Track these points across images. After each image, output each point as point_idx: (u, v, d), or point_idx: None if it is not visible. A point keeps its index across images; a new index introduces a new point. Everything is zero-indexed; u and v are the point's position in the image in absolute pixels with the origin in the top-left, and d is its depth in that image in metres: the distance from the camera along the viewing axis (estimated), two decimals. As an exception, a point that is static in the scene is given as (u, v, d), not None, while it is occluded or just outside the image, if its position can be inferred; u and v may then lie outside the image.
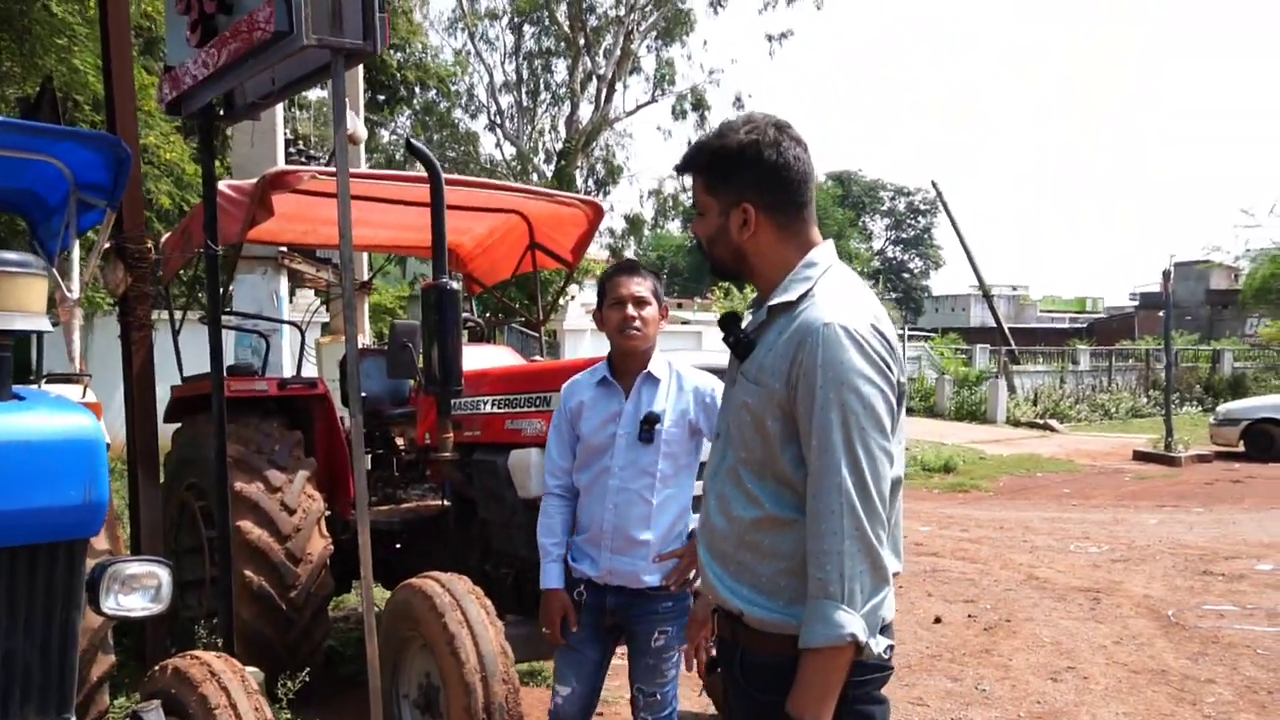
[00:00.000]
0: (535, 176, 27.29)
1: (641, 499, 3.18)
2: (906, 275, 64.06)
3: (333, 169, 7.06)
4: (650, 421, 3.16)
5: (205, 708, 2.71)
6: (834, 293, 1.94)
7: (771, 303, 1.98)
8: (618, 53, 26.62)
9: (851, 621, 1.77)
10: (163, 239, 6.25)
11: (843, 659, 1.80)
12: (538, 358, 7.43)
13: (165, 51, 4.24)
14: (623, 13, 26.32)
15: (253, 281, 8.73)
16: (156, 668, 3.04)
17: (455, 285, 4.46)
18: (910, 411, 24.22)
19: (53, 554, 2.25)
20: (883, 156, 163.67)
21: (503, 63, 29.54)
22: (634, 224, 30.32)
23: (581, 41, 26.53)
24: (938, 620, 6.98)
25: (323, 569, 5.05)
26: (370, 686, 3.52)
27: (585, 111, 27.71)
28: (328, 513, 5.28)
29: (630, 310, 3.20)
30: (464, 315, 6.31)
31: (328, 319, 12.71)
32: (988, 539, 10.20)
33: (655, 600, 3.21)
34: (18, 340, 2.57)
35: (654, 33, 27.39)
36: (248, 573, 4.81)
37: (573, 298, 21.24)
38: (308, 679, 4.64)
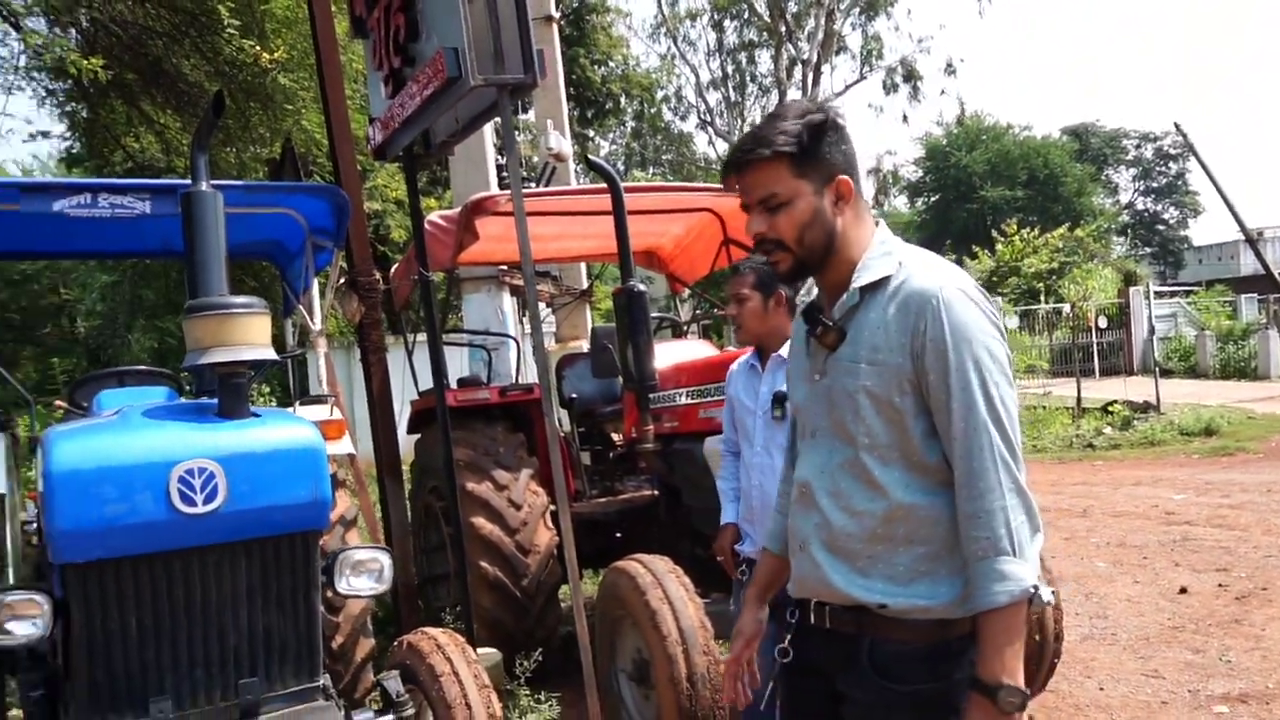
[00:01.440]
0: (749, 170, 27.42)
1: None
2: (1161, 227, 59.19)
3: (535, 191, 7.58)
4: (780, 400, 3.34)
5: (432, 675, 3.11)
6: (926, 261, 1.95)
7: (861, 283, 1.93)
8: (821, 35, 26.36)
9: (1029, 572, 1.78)
10: (392, 269, 6.94)
11: (1024, 611, 1.79)
12: (730, 348, 7.64)
13: (369, 104, 4.78)
14: (822, -6, 26.06)
15: (479, 300, 9.43)
16: (395, 643, 3.50)
17: (642, 288, 4.76)
18: (1168, 374, 22.48)
19: (292, 544, 2.71)
20: (1122, 103, 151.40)
21: (706, 61, 29.95)
22: (854, 205, 29.87)
23: (783, 29, 26.45)
24: (1183, 590, 6.60)
25: (550, 559, 5.48)
26: (583, 661, 3.88)
27: (793, 98, 27.63)
28: (552, 507, 5.72)
29: (731, 308, 3.56)
30: (660, 314, 6.62)
31: (554, 328, 13.42)
32: (1251, 504, 9.44)
33: None
34: (275, 368, 3.08)
35: (856, 9, 26.89)
36: (483, 564, 5.30)
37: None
38: (541, 659, 5.07)
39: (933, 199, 48.29)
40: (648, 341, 4.71)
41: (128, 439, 2.55)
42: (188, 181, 4.36)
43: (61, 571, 2.51)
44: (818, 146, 1.93)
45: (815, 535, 1.99)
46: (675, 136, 30.78)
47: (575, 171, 12.19)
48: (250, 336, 2.60)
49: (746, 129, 24.14)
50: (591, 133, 24.01)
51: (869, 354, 1.90)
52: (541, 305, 13.01)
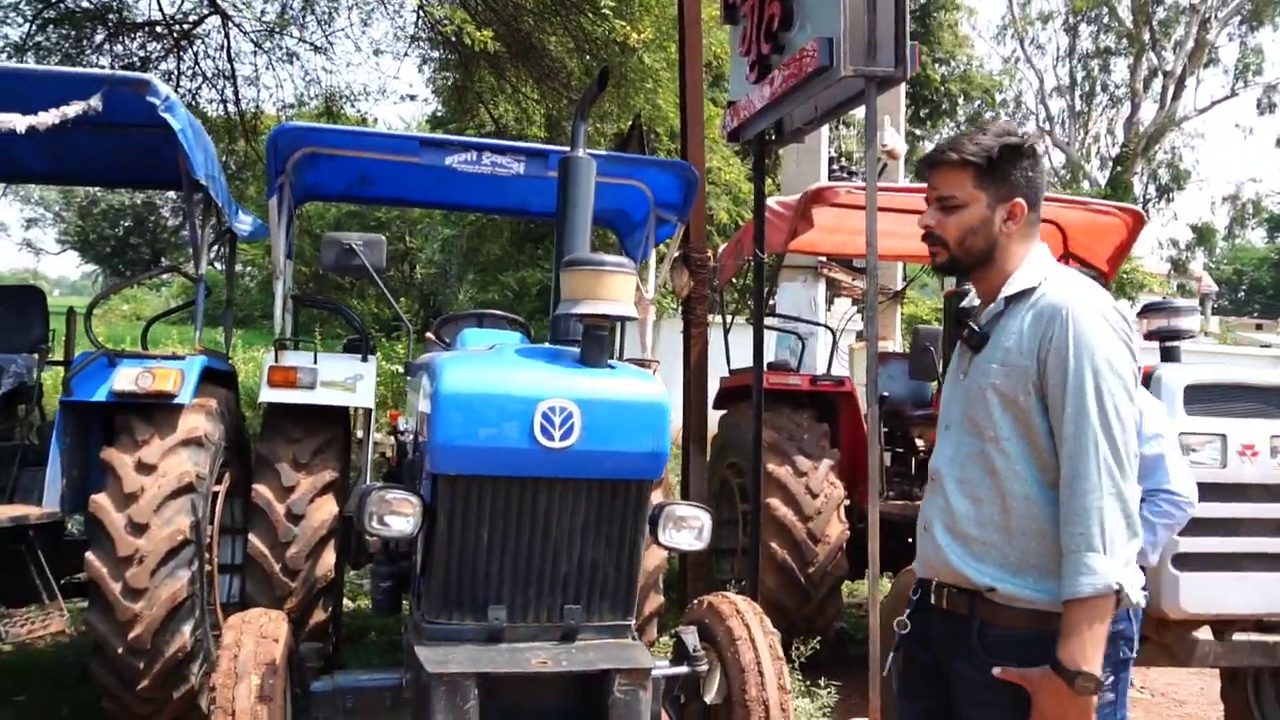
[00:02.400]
0: (1086, 184, 25.69)
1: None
2: None
3: (882, 186, 7.54)
4: None
5: (730, 637, 3.25)
6: (1070, 278, 2.11)
7: (1008, 293, 2.12)
8: (1190, 44, 24.09)
9: (1116, 570, 1.90)
10: (720, 249, 7.16)
11: (1107, 607, 1.92)
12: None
13: (729, 88, 4.97)
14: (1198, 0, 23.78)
15: (794, 288, 9.55)
16: (695, 601, 3.67)
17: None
18: None
19: (629, 489, 2.91)
20: None
21: (1054, 66, 28.26)
22: (1203, 234, 27.21)
23: (1146, 36, 24.42)
24: None
25: (839, 551, 5.51)
26: (870, 654, 3.89)
27: (1147, 112, 25.49)
28: (846, 501, 5.73)
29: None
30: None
31: (861, 326, 13.30)
32: None
33: None
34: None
35: (1237, 18, 24.35)
36: (773, 545, 5.41)
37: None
38: (818, 646, 5.12)
39: (1298, 236, 43.03)
40: (974, 349, 4.61)
41: (505, 373, 2.84)
42: (559, 148, 4.76)
43: (434, 480, 2.85)
44: (1004, 166, 2.13)
45: (938, 518, 2.18)
46: (1008, 143, 29.27)
47: (902, 170, 11.97)
48: (618, 294, 2.81)
49: (1089, 141, 22.53)
50: (919, 131, 23.40)
51: (1002, 355, 2.09)
52: (849, 301, 12.95)
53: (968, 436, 2.14)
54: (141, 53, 11.21)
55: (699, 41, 5.86)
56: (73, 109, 3.89)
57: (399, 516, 2.85)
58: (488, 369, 2.87)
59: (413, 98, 43.66)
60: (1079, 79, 27.42)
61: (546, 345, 3.18)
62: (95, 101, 3.92)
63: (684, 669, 3.29)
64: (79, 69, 6.39)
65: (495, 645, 2.86)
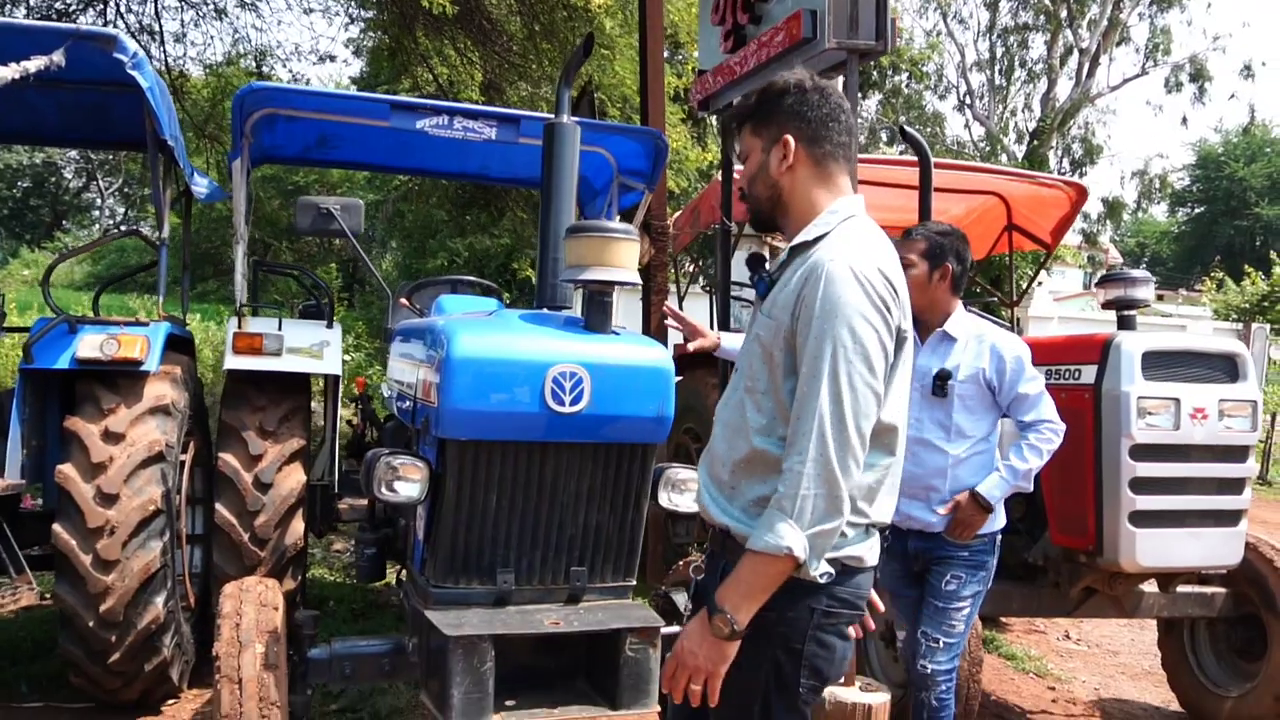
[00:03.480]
0: (1004, 157, 26.33)
1: (939, 450, 3.42)
2: None
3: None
4: (943, 378, 3.41)
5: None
6: (847, 237, 2.03)
7: (793, 243, 2.09)
8: (1104, 23, 24.79)
9: (793, 537, 1.86)
10: (673, 217, 7.20)
11: (776, 568, 1.90)
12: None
13: (697, 57, 5.00)
14: (1113, -21, 24.45)
15: (741, 256, 9.63)
16: (680, 563, 3.75)
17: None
18: None
19: (634, 453, 2.96)
20: None
21: (975, 41, 28.79)
22: (1113, 208, 28.12)
23: (1064, 14, 25.05)
24: None
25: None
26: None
27: (1063, 88, 26.18)
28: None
29: None
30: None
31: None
32: None
33: (953, 545, 3.41)
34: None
35: (1149, -1, 25.13)
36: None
37: (1040, 284, 20.33)
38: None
39: (1196, 210, 44.84)
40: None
41: (515, 339, 2.85)
42: (531, 114, 4.73)
43: (442, 445, 2.85)
44: (768, 107, 2.09)
45: (704, 460, 2.21)
46: (929, 115, 29.83)
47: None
48: (623, 260, 2.84)
49: (1007, 115, 22.97)
50: (845, 103, 23.63)
51: (770, 307, 2.06)
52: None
53: (739, 381, 2.13)
54: (61, 4, 10.72)
55: (660, 6, 5.86)
56: (34, 64, 3.74)
57: (406, 482, 2.86)
58: (498, 335, 2.88)
59: (332, 58, 42.55)
60: (998, 54, 28.01)
61: (548, 311, 3.19)
62: (58, 57, 3.78)
63: (675, 628, 3.36)
64: (43, 23, 6.08)
65: (504, 608, 2.90)
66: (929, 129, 28.14)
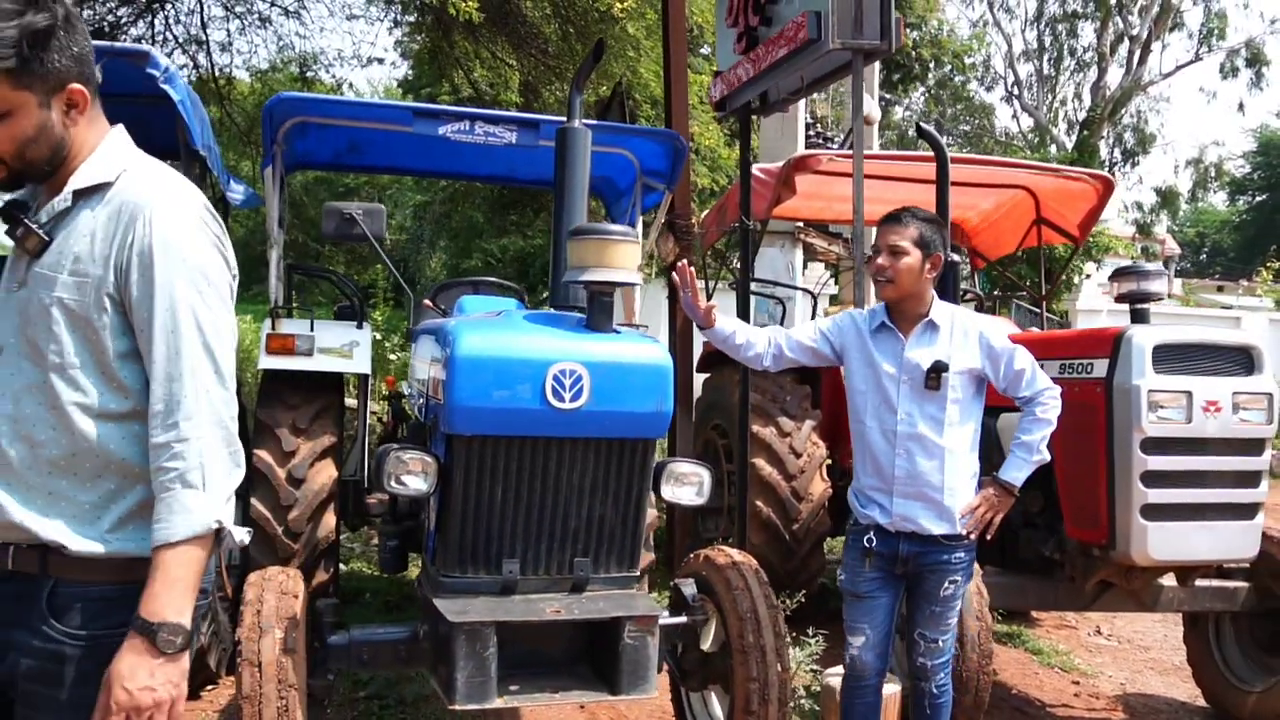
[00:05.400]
0: (1054, 148, 25.96)
1: (934, 445, 3.29)
2: None
3: (848, 152, 7.69)
4: (937, 370, 3.25)
5: (727, 586, 3.41)
6: (158, 171, 1.81)
7: (77, 186, 1.76)
8: (1155, 9, 24.34)
9: (216, 508, 1.71)
10: (701, 215, 7.29)
11: (206, 549, 1.72)
12: (1034, 330, 7.46)
13: (714, 58, 5.09)
14: (1164, -36, 24.01)
15: (772, 254, 9.71)
16: (691, 555, 3.84)
17: (955, 258, 4.82)
18: None
19: (635, 448, 3.07)
20: None
21: (1022, 30, 28.45)
22: (1166, 197, 27.60)
23: (1114, 1, 24.62)
24: None
25: (821, 509, 5.70)
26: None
27: (1114, 76, 25.76)
28: (829, 460, 5.92)
29: (882, 259, 3.34)
30: (964, 288, 6.60)
31: (836, 290, 13.50)
32: None
33: (949, 549, 3.32)
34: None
35: (1202, -19, 24.61)
36: (759, 503, 5.60)
37: (1088, 276, 20.07)
38: (803, 600, 5.31)
39: (1258, 199, 43.74)
40: (955, 312, 4.79)
41: (517, 338, 2.98)
42: (551, 118, 4.85)
43: (449, 441, 2.98)
44: (43, 52, 1.68)
45: None
46: (976, 107, 29.51)
47: (875, 135, 12.11)
48: (624, 261, 2.95)
49: (1057, 105, 22.67)
50: (890, 96, 23.51)
51: (71, 264, 1.73)
52: (823, 265, 13.13)
53: (25, 363, 1.74)
54: (111, 18, 11.07)
55: (682, 9, 5.95)
56: (73, 81, 3.93)
57: (415, 476, 2.99)
58: (501, 334, 3.00)
59: (380, 61, 43.13)
60: (1047, 43, 27.62)
61: (553, 311, 3.30)
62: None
63: (683, 619, 3.45)
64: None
65: (509, 597, 3.02)
66: (976, 121, 27.87)
